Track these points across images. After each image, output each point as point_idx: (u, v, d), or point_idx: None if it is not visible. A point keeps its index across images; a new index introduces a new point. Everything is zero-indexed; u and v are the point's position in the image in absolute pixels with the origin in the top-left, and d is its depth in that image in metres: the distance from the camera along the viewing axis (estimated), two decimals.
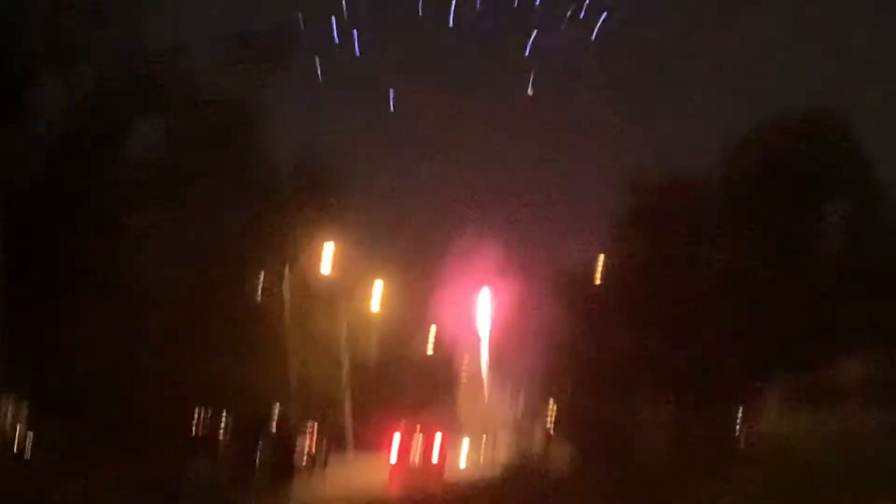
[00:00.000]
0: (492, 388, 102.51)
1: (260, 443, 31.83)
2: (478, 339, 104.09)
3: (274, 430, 34.00)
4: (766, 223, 33.57)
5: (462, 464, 76.09)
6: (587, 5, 42.73)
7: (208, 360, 41.37)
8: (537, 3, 45.28)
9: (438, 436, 47.64)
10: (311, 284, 57.79)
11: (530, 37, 45.68)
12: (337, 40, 51.09)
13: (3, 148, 28.66)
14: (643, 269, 35.26)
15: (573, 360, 39.54)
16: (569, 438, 43.32)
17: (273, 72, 35.03)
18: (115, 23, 36.18)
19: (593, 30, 42.78)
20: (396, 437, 47.28)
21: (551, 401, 44.47)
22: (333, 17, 52.43)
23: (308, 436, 41.79)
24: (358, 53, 53.01)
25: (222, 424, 30.89)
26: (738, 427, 24.08)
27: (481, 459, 76.27)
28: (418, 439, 47.50)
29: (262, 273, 50.17)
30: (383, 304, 65.89)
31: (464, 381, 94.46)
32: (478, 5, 48.58)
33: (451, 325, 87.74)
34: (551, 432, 44.06)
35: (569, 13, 43.98)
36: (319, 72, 51.77)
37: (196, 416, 32.32)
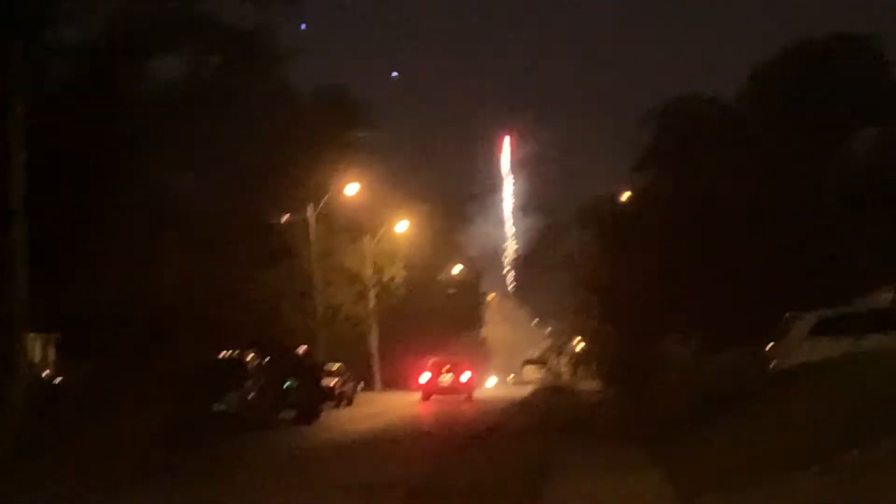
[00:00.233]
0: (518, 320, 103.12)
1: (288, 381, 31.84)
2: (502, 270, 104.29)
3: (302, 367, 34.02)
4: (794, 155, 33.25)
5: (491, 385, 77.30)
6: None
7: (234, 294, 41.74)
8: None
9: (467, 374, 48.42)
10: (337, 222, 58.14)
11: None
12: None
13: (32, 71, 28.49)
14: (669, 202, 35.03)
15: (598, 294, 39.45)
16: (596, 371, 43.48)
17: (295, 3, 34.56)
18: None
19: None
20: (426, 374, 48.19)
21: (577, 333, 44.55)
22: None
23: (335, 374, 41.96)
24: None
25: (249, 359, 30.91)
26: (764, 360, 23.89)
27: (510, 385, 77.20)
28: (447, 370, 48.41)
29: (289, 209, 50.39)
30: (408, 238, 66.31)
31: (489, 311, 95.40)
32: None
33: (476, 257, 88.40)
34: (578, 365, 44.21)
35: None
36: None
37: (223, 352, 32.38)
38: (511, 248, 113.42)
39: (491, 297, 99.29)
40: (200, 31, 40.17)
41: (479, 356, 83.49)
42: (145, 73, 38.17)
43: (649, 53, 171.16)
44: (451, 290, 77.45)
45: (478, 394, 50.52)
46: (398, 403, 44.27)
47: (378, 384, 62.52)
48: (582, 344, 44.28)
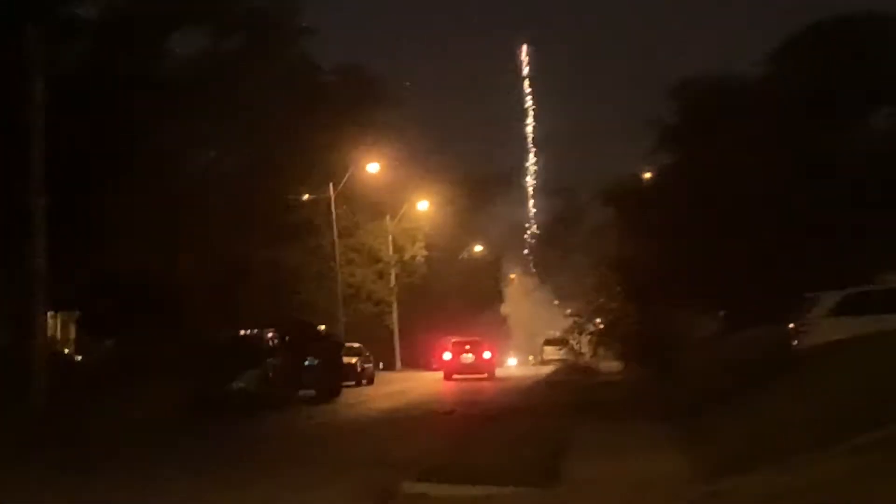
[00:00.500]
0: (539, 300, 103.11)
1: (308, 359, 31.84)
2: (524, 249, 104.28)
3: (322, 345, 34.03)
4: (818, 132, 32.97)
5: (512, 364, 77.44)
6: None
7: (255, 272, 41.76)
8: None
9: (488, 353, 48.68)
10: (358, 201, 58.13)
11: None
12: None
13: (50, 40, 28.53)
14: (692, 180, 34.80)
15: (620, 273, 39.27)
16: (616, 350, 43.32)
17: None
18: None
19: None
20: (447, 354, 48.41)
21: (598, 313, 44.37)
22: None
23: (355, 353, 42.00)
24: None
25: (269, 337, 30.95)
26: (787, 338, 23.78)
27: (531, 364, 77.22)
28: (469, 350, 48.63)
29: (310, 186, 50.39)
30: (430, 217, 66.25)
31: (511, 290, 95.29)
32: None
33: (498, 236, 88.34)
34: (599, 345, 44.04)
35: None
36: None
37: (244, 330, 32.42)
38: (533, 227, 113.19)
39: (512, 276, 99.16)
40: (221, 7, 40.13)
41: (500, 336, 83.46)
42: (165, 50, 38.10)
43: (672, 31, 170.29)
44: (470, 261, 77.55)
45: (499, 373, 50.71)
46: (418, 383, 44.30)
47: (398, 363, 62.59)
48: (602, 324, 44.02)
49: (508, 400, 29.83)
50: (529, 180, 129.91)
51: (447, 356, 48.73)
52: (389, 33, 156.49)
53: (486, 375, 47.16)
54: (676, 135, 37.24)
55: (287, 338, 31.41)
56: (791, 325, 23.89)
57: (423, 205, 64.52)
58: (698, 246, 32.45)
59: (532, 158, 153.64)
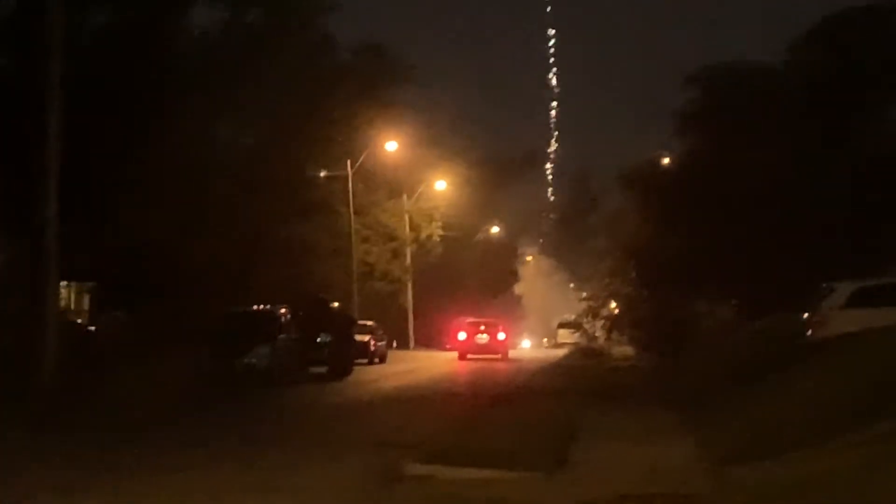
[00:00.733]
0: (555, 282, 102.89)
1: (320, 336, 31.82)
2: (541, 231, 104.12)
3: (335, 322, 33.99)
4: (836, 121, 32.73)
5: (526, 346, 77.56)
6: None
7: (271, 247, 41.80)
8: None
9: (502, 334, 48.82)
10: (375, 179, 58.05)
11: None
12: None
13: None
14: (710, 167, 34.62)
15: (636, 258, 39.16)
16: (630, 335, 43.26)
17: None
18: None
19: None
20: (462, 334, 48.63)
21: (613, 298, 44.32)
22: None
23: (368, 331, 41.96)
24: None
25: (281, 313, 30.92)
26: (800, 329, 23.69)
27: (545, 347, 77.27)
28: (483, 331, 48.92)
29: (327, 163, 50.32)
30: (447, 197, 66.11)
31: (527, 273, 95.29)
32: None
33: (515, 217, 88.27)
34: (612, 329, 44.01)
35: None
36: None
37: (257, 305, 32.40)
38: (551, 210, 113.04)
39: (528, 258, 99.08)
40: None
41: (514, 317, 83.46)
42: (186, 23, 38.05)
43: (692, 16, 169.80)
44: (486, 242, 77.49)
45: (512, 354, 50.86)
46: (431, 362, 44.30)
47: (412, 342, 62.59)
48: (616, 308, 43.99)
49: (520, 382, 29.80)
50: (548, 163, 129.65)
51: (462, 336, 49.05)
52: (414, 15, 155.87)
53: (499, 356, 47.42)
54: (695, 122, 37.03)
55: (300, 314, 31.38)
56: (805, 316, 23.77)
57: (440, 185, 64.38)
58: (713, 233, 32.32)
59: (552, 142, 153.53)
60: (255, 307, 31.53)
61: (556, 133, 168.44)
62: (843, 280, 23.52)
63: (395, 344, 54.79)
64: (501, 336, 49.05)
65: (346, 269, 52.89)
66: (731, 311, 35.49)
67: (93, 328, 36.97)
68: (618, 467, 12.42)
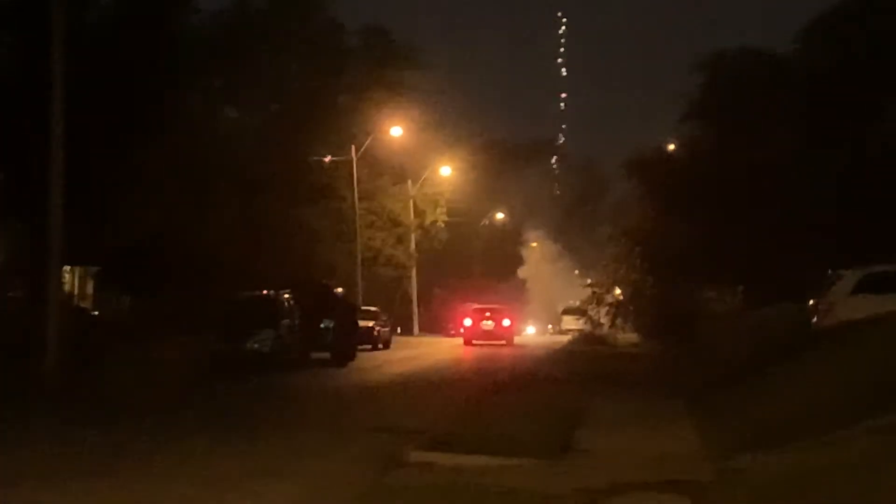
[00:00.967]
0: (560, 269, 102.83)
1: (323, 321, 31.74)
2: (546, 217, 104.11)
3: (339, 308, 33.90)
4: (842, 110, 32.55)
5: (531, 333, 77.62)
6: None
7: (274, 232, 41.71)
8: None
9: (507, 320, 48.88)
10: (380, 164, 57.91)
11: None
12: None
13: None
14: (716, 154, 34.51)
15: (641, 245, 39.06)
16: (635, 322, 43.20)
17: None
18: None
19: None
20: (468, 320, 48.90)
21: (618, 284, 44.22)
22: None
23: (373, 317, 41.87)
24: None
25: (285, 298, 30.82)
26: (806, 316, 23.58)
27: (550, 333, 77.25)
28: (489, 317, 49.17)
29: (332, 149, 50.21)
30: (452, 183, 65.93)
31: (532, 259, 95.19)
32: None
33: (521, 203, 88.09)
34: (617, 316, 43.94)
35: None
36: None
37: (260, 291, 32.31)
38: (557, 197, 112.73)
39: (533, 245, 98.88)
40: None
41: (519, 303, 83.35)
42: (190, 7, 37.87)
43: (702, 4, 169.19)
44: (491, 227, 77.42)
45: (517, 340, 51.00)
46: (435, 348, 44.26)
47: (416, 328, 62.54)
48: (622, 295, 43.92)
49: (524, 368, 29.70)
50: (555, 149, 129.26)
51: (468, 322, 49.63)
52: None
53: (504, 342, 47.75)
54: (703, 108, 36.89)
55: (303, 299, 31.29)
56: (811, 303, 23.65)
57: (445, 170, 64.21)
58: (720, 219, 32.19)
59: (558, 128, 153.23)
60: (258, 292, 31.44)
61: (564, 119, 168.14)
62: (851, 266, 23.37)
63: (399, 330, 54.74)
64: (507, 322, 49.57)
65: (350, 254, 52.81)
66: (738, 298, 35.39)
67: (96, 313, 36.95)
68: (622, 455, 12.33)
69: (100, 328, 33.42)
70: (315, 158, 47.65)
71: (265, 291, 31.32)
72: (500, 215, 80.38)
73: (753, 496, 9.35)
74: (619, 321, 44.23)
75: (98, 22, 34.28)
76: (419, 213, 62.49)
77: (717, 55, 37.54)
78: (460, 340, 49.06)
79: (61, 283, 29.19)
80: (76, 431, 14.66)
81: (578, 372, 25.84)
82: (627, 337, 44.20)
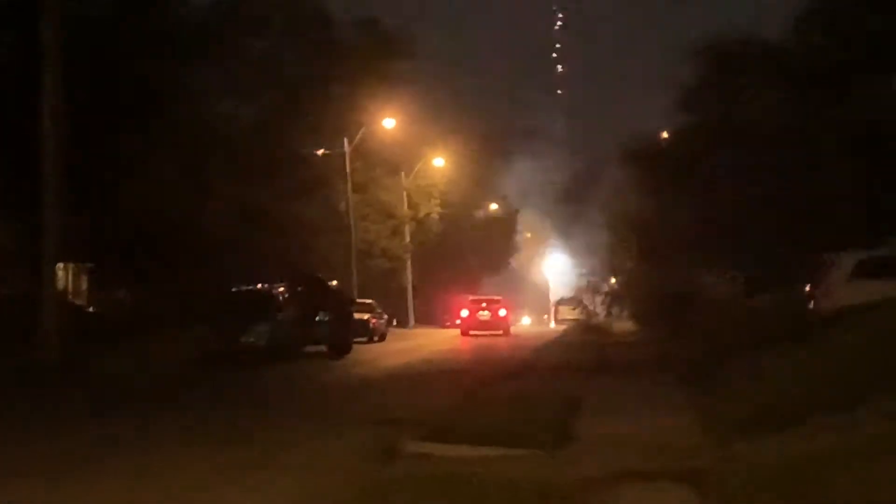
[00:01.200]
0: (555, 258, 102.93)
1: (319, 314, 31.65)
2: (541, 207, 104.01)
3: (334, 300, 33.81)
4: (840, 94, 32.45)
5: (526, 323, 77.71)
6: None
7: (269, 225, 41.58)
8: None
9: (503, 310, 49.80)
10: (374, 156, 57.81)
11: None
12: None
13: None
14: (712, 140, 34.38)
15: (637, 232, 38.97)
16: (631, 311, 43.14)
17: None
18: None
19: None
20: (465, 311, 49.64)
21: (614, 273, 44.18)
22: None
23: (368, 309, 41.82)
24: None
25: (280, 291, 30.71)
26: (804, 301, 23.54)
27: (545, 323, 77.26)
28: (485, 307, 49.87)
29: (325, 140, 50.07)
30: (445, 174, 65.88)
31: (526, 248, 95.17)
32: None
33: (515, 193, 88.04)
34: (613, 304, 43.86)
35: None
36: None
37: (254, 284, 32.21)
38: (551, 186, 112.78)
39: (528, 235, 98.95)
40: None
41: (515, 294, 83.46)
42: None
43: None
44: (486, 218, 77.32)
45: (513, 331, 51.41)
46: (431, 339, 44.24)
47: (411, 320, 62.50)
48: (617, 284, 43.86)
49: (521, 358, 29.63)
50: (549, 138, 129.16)
51: (465, 313, 50.65)
52: None
53: (501, 332, 48.59)
54: (698, 94, 36.75)
55: (299, 292, 31.20)
56: (808, 288, 23.59)
57: (439, 161, 64.13)
58: (716, 206, 32.08)
59: (553, 117, 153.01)
60: (253, 286, 31.34)
61: (557, 108, 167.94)
62: (848, 251, 23.29)
63: (394, 322, 54.69)
64: (503, 313, 50.62)
65: (345, 246, 52.75)
66: (736, 284, 35.27)
67: (92, 309, 36.86)
68: (621, 443, 12.25)
69: (95, 324, 33.33)
70: (308, 151, 47.54)
71: (260, 285, 31.22)
72: (494, 206, 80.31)
73: (755, 483, 9.27)
74: (614, 310, 44.14)
75: (89, 12, 34.16)
76: (413, 205, 62.46)
77: (713, 40, 37.37)
78: (456, 332, 49.97)
79: (56, 280, 29.12)
80: (69, 426, 14.63)
81: (575, 361, 25.78)
82: (623, 325, 44.14)
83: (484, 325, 49.11)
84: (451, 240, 67.71)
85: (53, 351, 26.24)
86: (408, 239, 61.85)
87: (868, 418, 10.54)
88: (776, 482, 9.10)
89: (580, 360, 25.64)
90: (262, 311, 28.88)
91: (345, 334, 32.95)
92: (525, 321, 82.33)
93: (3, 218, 32.45)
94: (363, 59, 50.99)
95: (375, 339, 41.14)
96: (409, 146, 60.34)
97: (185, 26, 35.94)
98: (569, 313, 61.89)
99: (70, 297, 36.08)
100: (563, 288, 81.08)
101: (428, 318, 64.51)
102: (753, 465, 9.93)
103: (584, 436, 12.85)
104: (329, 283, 36.13)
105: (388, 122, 55.31)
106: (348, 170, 53.06)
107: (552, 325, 70.87)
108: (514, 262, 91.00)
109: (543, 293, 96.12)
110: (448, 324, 58.75)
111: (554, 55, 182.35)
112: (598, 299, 44.77)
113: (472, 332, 48.05)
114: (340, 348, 31.73)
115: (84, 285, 38.45)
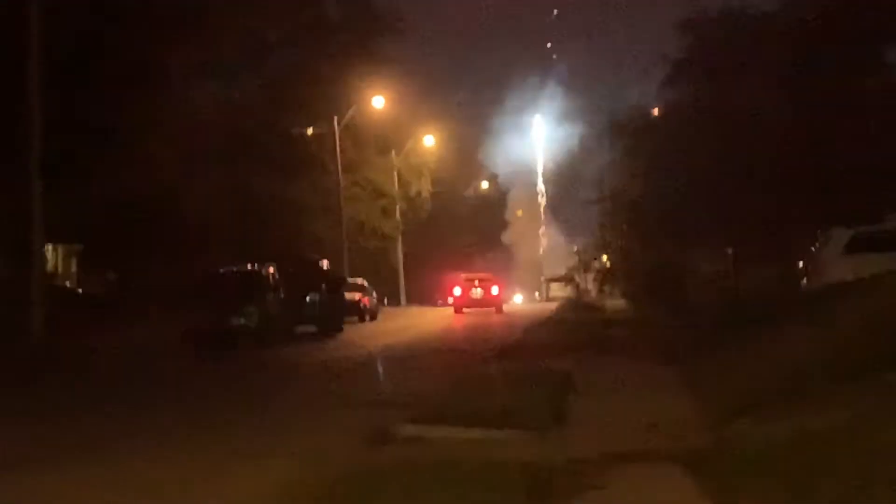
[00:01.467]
0: (546, 235, 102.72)
1: (309, 294, 31.52)
2: (532, 184, 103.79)
3: (324, 280, 33.65)
4: (834, 67, 32.31)
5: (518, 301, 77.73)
6: None
7: (258, 206, 41.44)
8: None
9: (496, 288, 49.56)
10: (364, 135, 57.52)
11: None
12: None
13: None
14: (700, 115, 34.25)
15: (628, 209, 38.86)
16: (623, 288, 43.09)
17: None
18: None
19: None
20: (457, 289, 49.62)
21: (605, 250, 44.10)
22: None
23: (359, 289, 41.69)
24: None
25: (269, 272, 30.52)
26: (797, 277, 23.46)
27: (537, 300, 77.22)
28: (478, 285, 49.90)
29: (314, 120, 49.80)
30: (436, 153, 65.68)
31: (517, 226, 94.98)
32: None
33: (506, 171, 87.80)
34: (605, 282, 43.83)
35: None
36: None
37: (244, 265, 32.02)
38: (541, 163, 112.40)
39: (519, 213, 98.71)
40: None
41: (507, 272, 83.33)
42: None
43: None
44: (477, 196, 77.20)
45: (505, 308, 51.40)
46: (422, 319, 44.12)
47: (403, 299, 62.39)
48: (609, 261, 43.82)
49: (513, 337, 29.48)
50: (540, 115, 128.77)
51: (457, 291, 50.62)
52: None
53: (493, 309, 48.66)
54: (688, 69, 36.59)
55: (289, 273, 31.03)
56: (801, 264, 23.49)
57: (429, 140, 63.91)
58: (707, 182, 31.96)
59: (544, 93, 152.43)
60: (243, 266, 31.16)
61: (549, 83, 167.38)
62: (840, 226, 23.17)
63: (386, 301, 54.57)
64: (495, 290, 50.61)
65: (335, 226, 52.57)
66: (727, 261, 35.20)
67: (81, 291, 36.70)
68: (615, 424, 12.12)
69: (84, 306, 33.20)
70: (298, 130, 47.31)
71: (250, 265, 31.04)
72: (484, 184, 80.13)
73: (751, 463, 9.14)
74: (606, 287, 44.10)
75: None
76: (404, 184, 62.26)
77: (704, 13, 37.15)
78: (448, 311, 49.99)
79: (44, 261, 28.95)
80: (56, 412, 14.47)
81: (568, 340, 25.62)
82: (615, 303, 44.08)
83: (477, 302, 49.26)
84: (442, 218, 67.60)
85: (40, 334, 26.08)
86: (398, 218, 61.67)
87: (865, 393, 10.42)
88: (774, 461, 8.98)
89: (573, 340, 25.50)
90: (252, 292, 28.71)
91: (336, 314, 32.84)
92: (517, 299, 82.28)
93: None
94: (351, 36, 50.71)
95: (367, 318, 41.03)
96: (399, 125, 60.09)
97: (169, 3, 35.67)
98: (560, 290, 61.98)
99: (59, 279, 35.93)
100: (555, 265, 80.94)
101: (420, 296, 64.40)
102: (750, 444, 9.81)
103: (577, 417, 12.73)
104: (319, 263, 35.96)
105: (378, 101, 55.01)
106: (338, 149, 52.78)
107: (543, 302, 70.81)
108: (506, 239, 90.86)
109: (536, 271, 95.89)
110: (440, 302, 58.68)
111: (544, 32, 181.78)
112: (590, 277, 44.77)
113: (464, 310, 48.21)
114: (332, 328, 31.62)
115: (73, 267, 38.29)
